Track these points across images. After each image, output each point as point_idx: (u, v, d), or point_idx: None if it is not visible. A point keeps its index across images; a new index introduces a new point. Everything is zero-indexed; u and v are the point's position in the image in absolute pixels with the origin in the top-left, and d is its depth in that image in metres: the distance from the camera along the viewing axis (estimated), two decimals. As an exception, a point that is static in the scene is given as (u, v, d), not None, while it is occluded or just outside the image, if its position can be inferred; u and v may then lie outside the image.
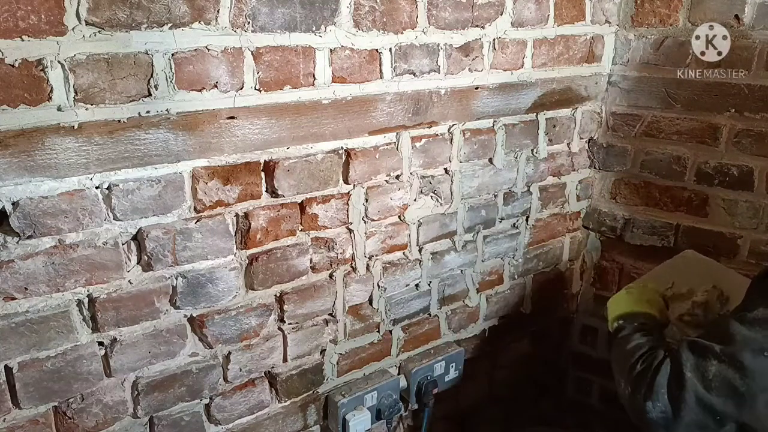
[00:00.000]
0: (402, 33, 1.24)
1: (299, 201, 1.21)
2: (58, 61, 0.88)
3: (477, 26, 1.35)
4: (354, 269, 1.35)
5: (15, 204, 0.91)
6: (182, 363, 1.16)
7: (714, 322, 1.11)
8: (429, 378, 1.54)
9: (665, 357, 1.04)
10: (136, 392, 1.11)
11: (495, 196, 1.57)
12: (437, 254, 1.50)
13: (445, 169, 1.43)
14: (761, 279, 1.06)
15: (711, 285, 1.34)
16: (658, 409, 1.00)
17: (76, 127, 0.92)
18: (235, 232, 1.15)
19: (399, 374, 1.53)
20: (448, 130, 1.41)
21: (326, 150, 1.22)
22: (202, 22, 0.99)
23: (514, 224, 1.65)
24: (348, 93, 1.20)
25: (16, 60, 0.85)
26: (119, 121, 0.96)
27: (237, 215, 1.14)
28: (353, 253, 1.33)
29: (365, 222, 1.33)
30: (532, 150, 1.60)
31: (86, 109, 0.92)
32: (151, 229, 1.04)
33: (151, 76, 0.97)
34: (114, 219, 1.00)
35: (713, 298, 1.32)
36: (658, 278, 1.41)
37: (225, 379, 1.22)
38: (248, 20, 1.04)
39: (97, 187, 0.98)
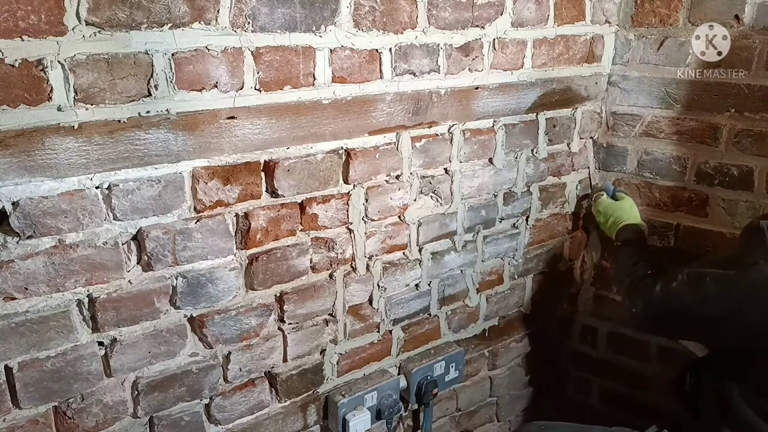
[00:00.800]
0: (402, 33, 1.24)
1: (299, 201, 1.21)
2: (58, 61, 0.88)
3: (477, 26, 1.35)
4: (354, 269, 1.35)
5: (15, 204, 0.91)
6: (182, 363, 1.16)
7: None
8: (429, 378, 1.54)
9: (648, 275, 1.36)
10: (136, 392, 1.11)
11: (495, 196, 1.57)
12: (437, 254, 1.50)
13: (445, 169, 1.43)
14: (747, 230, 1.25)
15: None
16: (639, 309, 1.34)
17: (76, 127, 0.92)
18: (235, 232, 1.15)
19: (399, 374, 1.53)
20: (448, 130, 1.41)
21: (326, 150, 1.22)
22: (202, 22, 0.99)
23: (514, 224, 1.65)
24: (348, 93, 1.20)
25: (16, 60, 0.85)
26: (119, 121, 0.96)
27: (237, 215, 1.14)
28: (353, 253, 1.33)
29: (365, 222, 1.33)
30: (532, 150, 1.60)
31: (86, 109, 0.92)
32: (151, 229, 1.04)
33: (151, 76, 0.97)
34: (114, 219, 1.00)
35: None
36: None
37: (225, 379, 1.22)
38: (248, 20, 1.04)
39: (97, 187, 0.98)
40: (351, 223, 1.30)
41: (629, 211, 1.59)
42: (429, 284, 1.51)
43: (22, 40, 0.85)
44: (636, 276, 1.38)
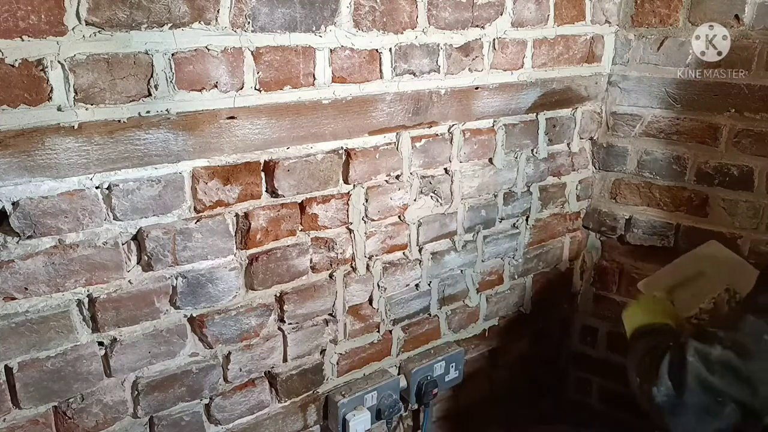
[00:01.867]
0: (402, 33, 1.24)
1: (299, 201, 1.21)
2: (58, 61, 0.88)
3: (477, 26, 1.35)
4: (354, 269, 1.35)
5: (15, 204, 0.91)
6: (182, 363, 1.16)
7: (723, 314, 1.15)
8: (429, 378, 1.54)
9: (670, 346, 1.06)
10: (136, 392, 1.11)
11: (495, 196, 1.57)
12: (437, 254, 1.50)
13: (445, 169, 1.44)
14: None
15: (723, 288, 1.34)
16: (662, 393, 1.02)
17: (76, 127, 0.92)
18: (235, 232, 1.15)
19: (399, 374, 1.53)
20: (448, 130, 1.41)
21: (326, 150, 1.22)
22: (202, 22, 0.99)
23: (514, 224, 1.65)
24: (348, 93, 1.20)
25: (16, 60, 0.85)
26: (119, 121, 0.96)
27: (237, 215, 1.14)
28: (353, 253, 1.33)
29: (365, 222, 1.33)
30: (532, 150, 1.60)
31: (86, 109, 0.92)
32: (151, 229, 1.04)
33: (151, 76, 0.97)
34: (114, 219, 1.00)
35: (722, 302, 1.32)
36: (673, 272, 1.41)
37: (225, 379, 1.22)
38: (248, 20, 1.04)
39: (97, 187, 0.98)
40: (351, 223, 1.30)
41: (671, 312, 1.32)
42: (429, 284, 1.51)
43: (22, 40, 0.85)
44: (655, 354, 1.07)
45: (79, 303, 1.01)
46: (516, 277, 1.72)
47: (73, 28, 0.88)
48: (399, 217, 1.39)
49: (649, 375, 1.04)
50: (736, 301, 1.32)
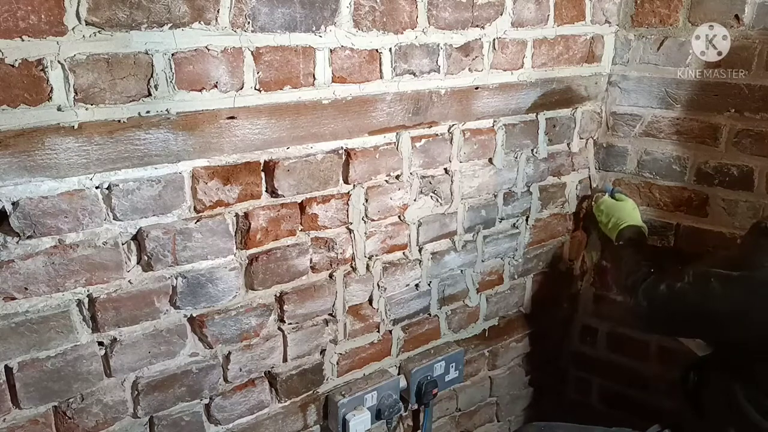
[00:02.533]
0: (402, 33, 1.24)
1: (299, 201, 1.21)
2: (58, 61, 0.88)
3: (477, 26, 1.35)
4: (354, 269, 1.35)
5: (15, 204, 0.91)
6: (182, 363, 1.16)
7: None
8: (429, 378, 1.54)
9: (647, 273, 1.36)
10: (136, 392, 1.11)
11: (495, 196, 1.57)
12: (437, 254, 1.50)
13: (445, 169, 1.43)
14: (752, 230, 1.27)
15: None
16: (640, 305, 1.34)
17: (76, 127, 0.92)
18: (235, 232, 1.15)
19: (399, 374, 1.53)
20: (448, 130, 1.41)
21: (326, 150, 1.22)
22: (202, 22, 0.99)
23: (514, 224, 1.65)
24: (348, 93, 1.20)
25: (16, 60, 0.85)
26: (119, 121, 0.96)
27: (237, 215, 1.14)
28: (353, 253, 1.33)
29: (365, 222, 1.33)
30: (532, 150, 1.60)
31: (86, 109, 0.92)
32: (151, 229, 1.04)
33: (151, 76, 0.97)
34: (114, 219, 1.00)
35: None
36: None
37: (225, 379, 1.22)
38: (248, 20, 1.04)
39: (97, 187, 0.98)
40: (351, 223, 1.30)
41: (631, 212, 1.61)
42: (429, 284, 1.51)
43: (22, 40, 0.85)
44: (639, 275, 1.38)
45: (79, 303, 1.01)
46: (516, 277, 1.72)
47: (73, 28, 0.88)
48: (399, 217, 1.39)
49: (633, 295, 1.37)
50: None
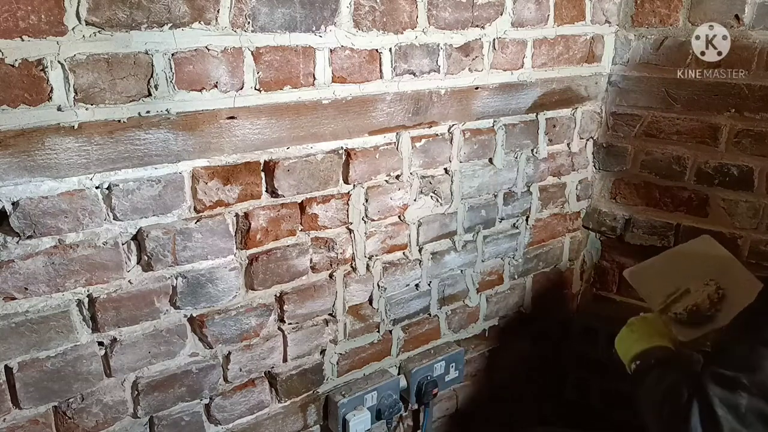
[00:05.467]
0: (402, 33, 1.24)
1: (299, 201, 1.21)
2: (58, 61, 0.88)
3: (477, 26, 1.35)
4: (354, 269, 1.35)
5: (15, 204, 0.91)
6: (182, 363, 1.16)
7: (732, 340, 1.05)
8: (429, 378, 1.54)
9: (692, 395, 1.00)
10: (136, 392, 1.11)
11: (495, 196, 1.57)
12: (437, 254, 1.50)
13: (445, 169, 1.43)
14: None
15: (708, 279, 1.31)
16: None
17: (76, 127, 0.92)
18: (235, 232, 1.15)
19: (399, 374, 1.53)
20: (448, 130, 1.41)
21: (326, 150, 1.22)
22: (202, 22, 0.99)
23: (514, 224, 1.65)
24: (348, 93, 1.20)
25: (16, 60, 0.85)
26: (119, 121, 0.96)
27: (237, 215, 1.14)
28: (353, 253, 1.33)
29: (365, 222, 1.33)
30: (532, 150, 1.60)
31: (86, 109, 0.92)
32: (151, 229, 1.04)
33: (151, 76, 0.97)
34: (114, 219, 1.00)
35: (704, 297, 1.30)
36: (661, 262, 1.40)
37: (225, 379, 1.22)
38: (248, 20, 1.04)
39: (97, 187, 0.98)
40: (351, 223, 1.30)
41: (665, 331, 1.27)
42: (429, 284, 1.51)
43: (22, 40, 0.85)
44: (675, 400, 1.02)
45: (79, 303, 1.01)
46: (516, 277, 1.72)
47: (73, 28, 0.88)
48: (399, 217, 1.39)
49: (677, 428, 0.99)
50: (717, 298, 1.30)
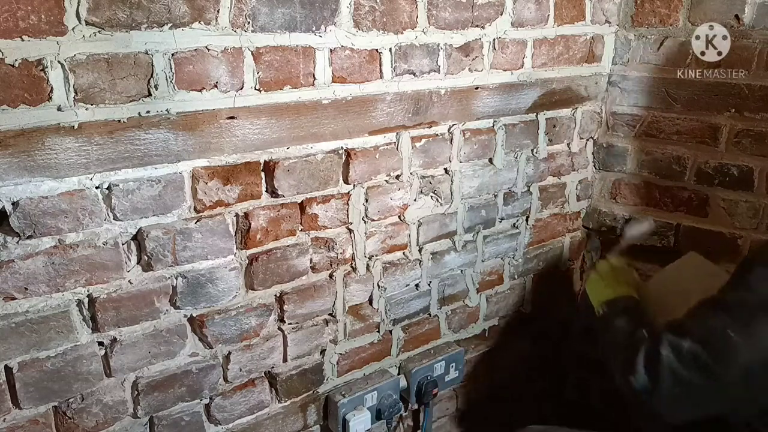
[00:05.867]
0: (402, 33, 1.24)
1: (299, 201, 1.21)
2: (58, 61, 0.88)
3: (477, 26, 1.35)
4: (354, 269, 1.35)
5: (15, 204, 0.91)
6: (182, 363, 1.16)
7: (695, 305, 1.15)
8: (429, 378, 1.54)
9: (645, 338, 1.13)
10: (136, 392, 1.11)
11: (495, 196, 1.57)
12: (437, 254, 1.50)
13: (445, 169, 1.44)
14: (740, 265, 1.11)
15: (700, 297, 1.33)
16: (640, 383, 1.09)
17: (76, 127, 0.92)
18: (235, 232, 1.15)
19: (399, 374, 1.53)
20: (448, 130, 1.41)
21: (326, 150, 1.22)
22: (202, 22, 0.99)
23: (514, 224, 1.65)
24: (348, 93, 1.20)
25: (16, 60, 0.85)
26: (119, 121, 0.96)
27: (237, 215, 1.14)
28: (353, 253, 1.33)
29: (365, 222, 1.33)
30: (532, 150, 1.60)
31: (86, 109, 0.92)
32: (151, 229, 1.04)
33: (151, 76, 0.97)
34: (114, 219, 1.00)
35: None
36: (655, 285, 1.44)
37: (225, 379, 1.22)
38: (248, 20, 1.04)
39: (97, 187, 0.98)
40: (351, 223, 1.30)
41: (631, 280, 1.40)
42: (429, 284, 1.51)
43: (22, 40, 0.85)
44: (634, 344, 1.12)
45: (79, 303, 1.01)
46: (516, 277, 1.72)
47: (73, 28, 0.88)
48: (399, 217, 1.39)
49: (627, 366, 1.11)
50: None
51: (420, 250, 1.46)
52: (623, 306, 1.29)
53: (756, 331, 1.00)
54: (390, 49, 1.23)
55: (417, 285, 1.49)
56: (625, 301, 1.31)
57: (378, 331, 1.45)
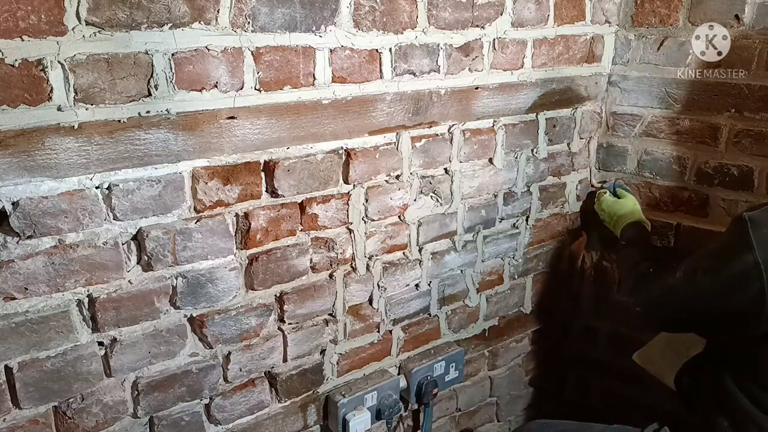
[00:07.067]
0: (402, 33, 1.24)
1: (299, 201, 1.21)
2: (58, 61, 0.88)
3: (477, 26, 1.35)
4: (354, 269, 1.35)
5: (15, 204, 0.91)
6: (182, 363, 1.16)
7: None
8: (429, 378, 1.54)
9: (648, 274, 1.39)
10: (136, 392, 1.11)
11: (495, 196, 1.57)
12: (437, 254, 1.50)
13: (445, 169, 1.43)
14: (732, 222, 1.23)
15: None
16: (635, 302, 1.39)
17: (76, 127, 0.92)
18: (235, 232, 1.15)
19: (399, 374, 1.53)
20: (448, 130, 1.41)
21: (326, 150, 1.22)
22: (202, 22, 0.99)
23: (514, 224, 1.65)
24: (348, 93, 1.20)
25: (16, 60, 0.85)
26: (119, 121, 0.96)
27: (237, 215, 1.14)
28: (353, 253, 1.33)
29: (365, 222, 1.33)
30: (532, 150, 1.60)
31: (86, 109, 0.92)
32: (151, 229, 1.04)
33: (151, 76, 0.97)
34: (114, 219, 1.00)
35: None
36: (666, 339, 1.58)
37: (225, 379, 1.22)
38: (248, 20, 1.04)
39: (97, 187, 0.98)
40: (351, 223, 1.30)
41: (633, 209, 1.60)
42: (429, 284, 1.51)
43: (22, 40, 0.85)
44: (638, 275, 1.40)
45: (79, 303, 1.01)
46: (516, 277, 1.72)
47: (73, 28, 0.88)
48: (399, 217, 1.39)
49: (633, 294, 1.40)
50: None
51: (420, 250, 1.46)
52: (628, 237, 1.56)
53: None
54: (390, 49, 1.23)
55: (417, 285, 1.49)
56: (630, 231, 1.56)
57: (378, 331, 1.45)
